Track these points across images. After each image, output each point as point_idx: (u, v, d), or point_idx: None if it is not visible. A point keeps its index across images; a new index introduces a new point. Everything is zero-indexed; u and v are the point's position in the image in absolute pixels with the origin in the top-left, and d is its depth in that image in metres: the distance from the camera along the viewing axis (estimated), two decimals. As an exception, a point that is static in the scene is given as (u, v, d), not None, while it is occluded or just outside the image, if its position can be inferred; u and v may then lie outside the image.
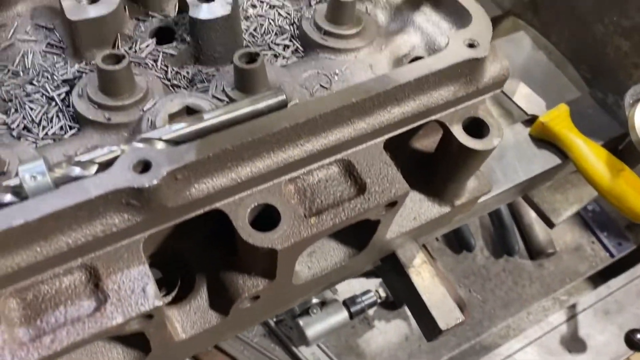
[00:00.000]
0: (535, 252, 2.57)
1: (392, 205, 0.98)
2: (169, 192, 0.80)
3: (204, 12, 1.01)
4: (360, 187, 0.95)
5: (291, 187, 0.95)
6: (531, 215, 2.59)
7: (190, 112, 0.95)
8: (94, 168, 0.83)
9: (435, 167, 1.16)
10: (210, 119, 0.88)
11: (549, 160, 1.57)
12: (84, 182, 0.76)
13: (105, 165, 0.84)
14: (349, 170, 0.97)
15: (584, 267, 2.58)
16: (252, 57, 0.96)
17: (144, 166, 0.79)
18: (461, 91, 1.04)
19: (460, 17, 1.10)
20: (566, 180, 1.77)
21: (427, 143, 1.22)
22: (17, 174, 0.84)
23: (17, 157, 0.86)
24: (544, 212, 1.74)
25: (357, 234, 1.08)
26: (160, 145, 0.85)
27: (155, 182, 0.77)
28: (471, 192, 1.21)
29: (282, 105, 0.92)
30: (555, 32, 1.69)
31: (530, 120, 1.62)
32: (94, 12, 0.98)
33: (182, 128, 0.86)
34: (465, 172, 1.12)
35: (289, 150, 0.90)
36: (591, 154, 1.50)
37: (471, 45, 1.01)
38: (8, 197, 0.80)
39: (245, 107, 0.90)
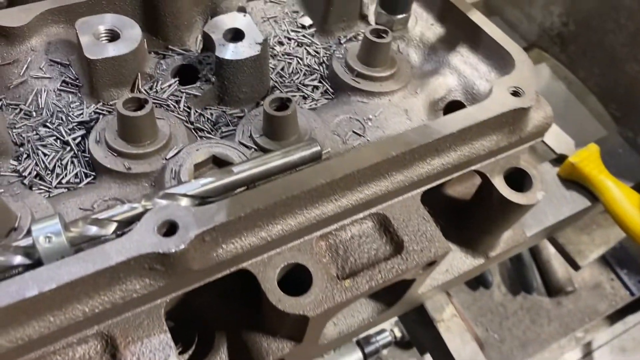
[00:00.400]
0: (553, 289, 2.49)
1: (431, 264, 0.91)
2: (195, 254, 0.73)
3: (232, 53, 0.95)
4: (397, 245, 0.88)
5: (322, 243, 0.88)
6: (550, 251, 2.52)
7: (216, 161, 0.88)
8: (113, 227, 0.76)
9: (470, 217, 1.09)
10: (240, 173, 0.81)
11: (578, 202, 1.50)
12: (104, 247, 0.69)
13: (125, 224, 0.77)
14: (385, 225, 0.90)
15: (604, 306, 2.50)
16: (283, 104, 0.89)
17: (170, 228, 0.73)
18: (503, 141, 0.98)
19: (501, 60, 1.04)
20: (592, 221, 1.71)
21: (460, 189, 1.15)
22: (29, 231, 0.77)
23: (29, 211, 0.79)
24: (569, 254, 1.67)
25: (388, 291, 1.01)
26: (185, 201, 0.78)
27: (182, 246, 0.70)
28: (506, 243, 1.14)
29: (316, 157, 0.85)
30: (583, 67, 1.63)
31: (558, 159, 1.56)
32: (114, 50, 0.91)
33: (210, 182, 0.79)
34: (504, 225, 1.05)
35: (322, 206, 0.83)
36: (623, 198, 1.44)
37: (515, 94, 0.95)
38: (18, 259, 0.72)
39: (277, 160, 0.83)
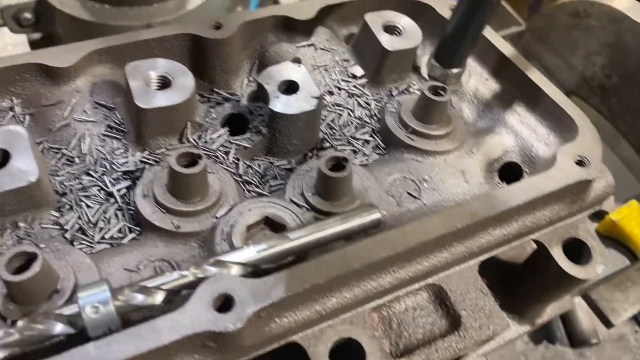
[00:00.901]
0: (577, 340, 2.41)
1: (487, 340, 0.86)
2: (249, 331, 0.69)
3: (286, 106, 0.91)
4: (454, 320, 0.84)
5: (375, 315, 0.83)
6: (574, 301, 2.44)
7: (268, 221, 0.84)
8: (161, 296, 0.71)
9: (520, 283, 1.04)
10: (297, 239, 0.77)
11: (617, 261, 1.44)
12: (156, 324, 0.64)
13: (173, 292, 0.72)
14: (441, 298, 0.85)
15: (628, 359, 2.43)
16: (339, 163, 0.85)
17: (225, 302, 0.68)
18: (564, 210, 0.93)
19: (561, 124, 1.00)
20: (627, 277, 1.66)
21: (510, 252, 1.10)
22: (72, 294, 0.73)
23: (72, 271, 0.74)
24: (602, 311, 1.62)
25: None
26: (236, 269, 0.74)
27: (239, 325, 0.65)
28: (553, 310, 1.09)
29: (376, 224, 0.81)
30: (625, 121, 1.59)
31: (596, 214, 1.51)
32: (165, 100, 0.87)
33: (265, 250, 0.75)
34: (557, 296, 1.00)
35: (379, 278, 0.78)
36: (666, 260, 1.39)
37: (580, 163, 0.90)
38: (60, 328, 0.68)
39: (335, 227, 0.79)
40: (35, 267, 0.67)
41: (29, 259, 0.69)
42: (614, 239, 1.47)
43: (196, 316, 0.65)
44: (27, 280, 0.68)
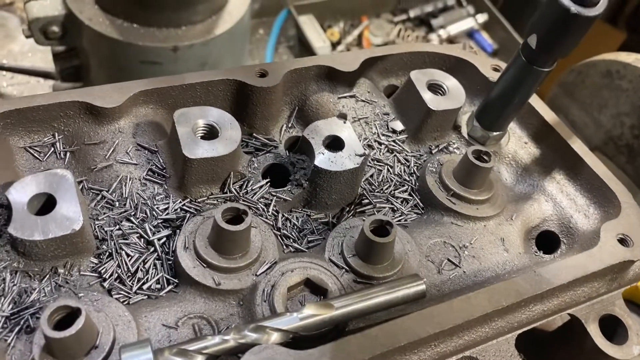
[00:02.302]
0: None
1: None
2: (290, 403, 0.67)
3: (331, 163, 0.90)
4: (491, 396, 0.82)
5: (411, 385, 0.82)
6: None
7: (309, 283, 0.82)
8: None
9: (549, 352, 1.02)
10: (341, 309, 0.75)
11: (638, 327, 1.43)
12: (201, 394, 0.63)
13: (213, 357, 0.70)
14: (477, 371, 0.84)
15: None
16: (382, 226, 0.84)
17: (269, 373, 0.66)
18: (603, 288, 0.92)
19: (602, 197, 0.99)
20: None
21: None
22: (110, 351, 0.71)
23: (111, 325, 0.73)
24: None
25: None
26: (276, 336, 0.72)
27: (283, 401, 0.64)
28: (580, 381, 1.08)
29: (421, 296, 0.80)
30: (651, 183, 1.59)
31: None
32: (213, 151, 0.86)
33: (308, 317, 0.74)
34: (588, 371, 0.98)
35: (420, 352, 0.77)
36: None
37: (623, 242, 0.90)
38: (99, 386, 0.66)
39: (380, 297, 0.77)
40: (79, 324, 0.66)
41: (71, 313, 0.68)
42: (635, 302, 1.46)
43: (242, 388, 0.64)
44: (67, 338, 0.66)
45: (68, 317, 0.68)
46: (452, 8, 3.37)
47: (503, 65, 1.16)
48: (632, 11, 3.96)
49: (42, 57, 2.86)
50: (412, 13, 3.33)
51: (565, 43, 0.88)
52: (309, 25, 3.08)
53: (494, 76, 1.13)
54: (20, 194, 0.76)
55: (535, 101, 1.09)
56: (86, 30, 2.03)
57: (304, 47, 3.07)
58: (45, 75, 2.58)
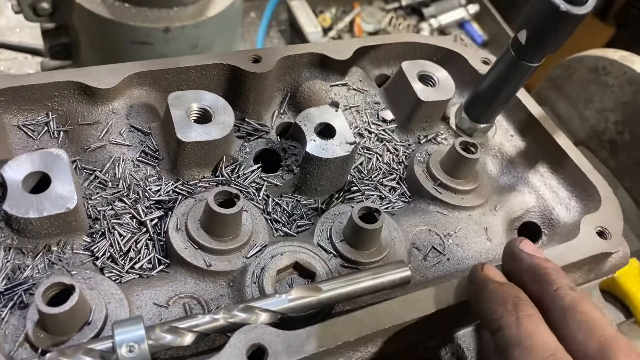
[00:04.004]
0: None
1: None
2: (278, 381, 0.69)
3: (322, 150, 0.92)
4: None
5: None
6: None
7: (297, 267, 0.84)
8: (191, 338, 0.71)
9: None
10: (328, 292, 0.78)
11: (613, 316, 1.48)
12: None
13: (203, 335, 0.73)
14: (457, 356, 0.87)
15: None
16: (371, 214, 0.86)
17: (258, 352, 0.69)
18: (581, 278, 0.96)
19: (583, 191, 1.02)
20: (620, 332, 1.69)
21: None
22: (102, 328, 0.73)
23: (103, 303, 0.74)
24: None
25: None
26: (265, 316, 0.74)
27: (274, 378, 0.66)
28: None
29: (406, 282, 0.82)
30: (632, 178, 1.63)
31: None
32: (206, 135, 0.87)
33: (297, 299, 0.76)
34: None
35: (405, 336, 0.80)
36: (660, 320, 1.42)
37: (601, 234, 0.93)
38: (84, 362, 0.68)
39: (366, 282, 0.80)
40: (72, 301, 0.68)
41: (65, 289, 0.70)
42: (612, 294, 1.50)
43: (230, 365, 0.66)
44: (61, 314, 0.68)
45: (62, 293, 0.70)
46: (444, -3, 3.38)
47: (492, 58, 1.18)
48: (621, 6, 4.00)
49: (30, 32, 2.82)
50: (404, 1, 3.33)
51: (554, 40, 0.90)
52: (301, 10, 3.07)
53: (483, 69, 1.15)
54: (15, 172, 0.77)
55: (522, 95, 1.11)
56: (76, 8, 2.01)
57: (295, 32, 3.07)
58: (33, 52, 2.55)
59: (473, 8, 3.32)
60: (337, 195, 1.00)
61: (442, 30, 3.28)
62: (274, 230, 0.91)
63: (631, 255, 1.45)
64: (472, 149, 0.97)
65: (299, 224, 0.94)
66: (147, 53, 2.03)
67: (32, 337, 0.71)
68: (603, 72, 1.57)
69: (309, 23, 3.02)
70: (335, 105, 0.98)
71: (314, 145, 0.92)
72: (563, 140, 1.06)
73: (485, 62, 1.16)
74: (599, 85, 1.60)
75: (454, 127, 1.12)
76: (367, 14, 3.31)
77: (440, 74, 1.08)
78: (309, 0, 3.13)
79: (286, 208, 0.95)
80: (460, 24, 3.34)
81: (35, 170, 0.78)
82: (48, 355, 0.67)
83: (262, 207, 0.93)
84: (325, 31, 3.10)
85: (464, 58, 1.17)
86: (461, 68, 1.17)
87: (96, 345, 0.69)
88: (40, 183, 0.80)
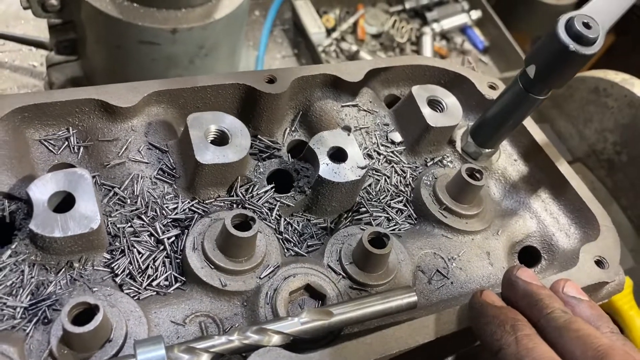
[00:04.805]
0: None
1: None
2: (289, 402, 0.73)
3: (334, 174, 0.95)
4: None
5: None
6: None
7: (309, 289, 0.88)
8: (207, 358, 0.75)
9: None
10: (339, 316, 0.81)
11: (604, 332, 1.52)
12: (210, 392, 0.68)
13: (218, 356, 0.76)
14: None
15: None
16: (380, 238, 0.90)
17: (272, 375, 0.72)
18: (577, 304, 0.99)
19: (583, 218, 1.06)
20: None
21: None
22: (122, 345, 0.76)
23: (124, 320, 0.78)
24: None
25: None
26: (277, 338, 0.78)
27: (286, 401, 0.70)
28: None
29: (412, 307, 0.86)
30: (627, 197, 1.67)
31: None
32: (223, 157, 0.91)
33: (309, 322, 0.79)
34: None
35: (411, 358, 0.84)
36: (650, 340, 1.47)
37: (599, 264, 0.97)
38: (112, 378, 0.71)
39: (375, 306, 0.84)
40: (97, 321, 0.71)
41: (88, 308, 0.73)
42: (604, 311, 1.55)
43: (246, 388, 0.70)
44: (87, 332, 0.71)
45: (86, 312, 0.73)
46: (447, 2, 3.40)
47: (498, 82, 1.22)
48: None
49: (35, 25, 2.83)
50: (408, 4, 3.35)
51: (561, 76, 0.94)
52: (305, 10, 3.08)
53: (489, 93, 1.19)
54: (41, 191, 0.80)
55: (527, 121, 1.15)
56: (85, 6, 2.02)
57: (298, 32, 3.08)
58: (38, 44, 2.56)
59: (475, 14, 3.34)
60: (345, 215, 1.03)
61: (444, 35, 3.31)
62: (286, 250, 0.95)
63: (625, 273, 1.51)
64: (478, 175, 1.01)
65: (309, 243, 0.97)
66: (153, 53, 2.05)
67: (56, 353, 0.74)
68: (604, 93, 1.61)
69: (312, 23, 3.03)
70: (347, 129, 1.01)
71: (326, 169, 0.96)
72: (565, 168, 1.09)
73: (492, 87, 1.20)
74: (599, 106, 1.64)
75: (459, 150, 1.15)
76: (371, 16, 3.33)
77: (448, 99, 1.12)
78: (313, 0, 3.15)
79: (297, 227, 0.98)
80: (463, 29, 3.36)
81: (59, 190, 0.81)
82: (72, 371, 0.71)
83: (274, 227, 0.96)
84: (329, 32, 3.12)
85: (472, 82, 1.20)
86: (468, 92, 1.21)
87: (118, 364, 0.72)
88: (64, 201, 0.82)
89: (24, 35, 2.68)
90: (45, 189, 0.81)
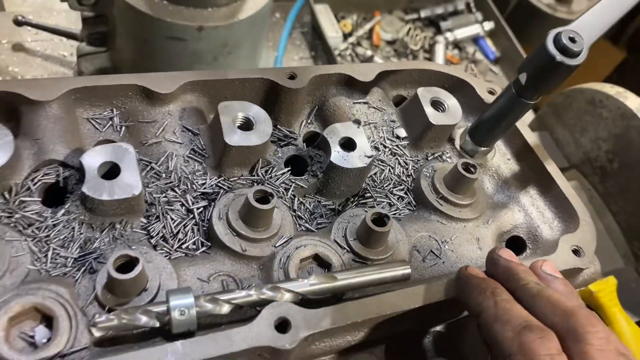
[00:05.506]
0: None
1: None
2: (296, 349, 0.86)
3: (344, 160, 1.08)
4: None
5: (394, 351, 1.01)
6: None
7: (317, 258, 1.00)
8: (228, 308, 0.88)
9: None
10: (342, 281, 0.94)
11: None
12: (230, 334, 0.81)
13: (238, 307, 0.89)
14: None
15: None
16: (381, 218, 1.02)
17: (283, 324, 0.85)
18: (555, 288, 1.11)
19: (566, 213, 1.18)
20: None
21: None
22: (156, 295, 0.89)
23: (157, 275, 0.91)
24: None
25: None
26: (288, 295, 0.90)
27: (293, 345, 0.82)
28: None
29: (406, 278, 0.98)
30: (617, 203, 1.78)
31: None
32: (249, 140, 1.04)
33: (316, 284, 0.92)
34: None
35: (400, 323, 0.96)
36: (630, 335, 1.58)
37: (576, 252, 1.09)
38: (145, 320, 0.84)
39: (373, 275, 0.96)
40: (137, 270, 0.84)
41: (130, 261, 0.86)
42: (589, 307, 1.66)
43: (261, 333, 0.82)
44: (128, 279, 0.84)
45: (127, 264, 0.86)
46: (461, 13, 3.52)
47: (497, 89, 1.34)
48: (634, 31, 4.13)
49: (66, 16, 2.97)
50: (423, 13, 3.46)
51: (548, 84, 1.06)
52: (324, 15, 3.21)
53: (488, 98, 1.31)
54: (92, 160, 0.94)
55: (520, 125, 1.27)
56: (118, 1, 2.16)
57: (316, 35, 3.21)
58: (69, 35, 2.70)
59: (488, 25, 3.45)
60: (352, 199, 1.16)
61: (456, 44, 3.42)
62: (298, 225, 1.08)
63: (616, 273, 1.62)
64: (472, 169, 1.13)
65: (318, 221, 1.10)
66: (179, 48, 2.19)
67: (101, 297, 0.87)
68: (599, 104, 1.73)
69: (330, 28, 3.16)
70: (357, 122, 1.13)
71: (337, 156, 1.08)
72: (552, 168, 1.21)
73: (491, 92, 1.32)
74: (595, 116, 1.75)
75: (458, 148, 1.28)
76: (387, 23, 3.45)
77: (450, 101, 1.24)
78: (332, 5, 3.27)
79: (308, 207, 1.11)
80: (475, 40, 3.47)
81: (107, 160, 0.95)
82: (115, 311, 0.84)
83: (288, 205, 1.09)
84: (346, 36, 3.25)
85: (472, 87, 1.33)
86: (469, 95, 1.33)
87: (153, 307, 0.85)
88: (110, 170, 0.96)
89: (55, 26, 2.82)
90: (96, 159, 0.94)
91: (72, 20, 2.59)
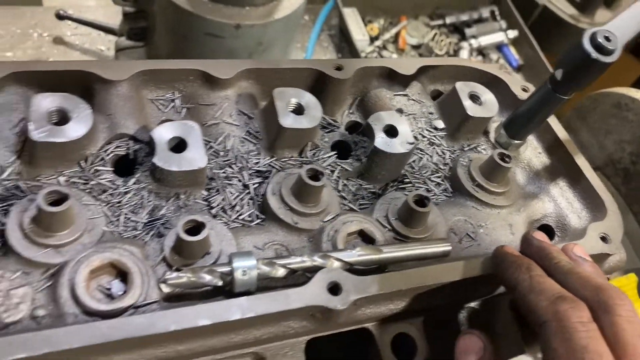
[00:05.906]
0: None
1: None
2: (345, 312, 0.93)
3: (387, 146, 1.15)
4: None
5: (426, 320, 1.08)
6: None
7: (362, 233, 1.08)
8: (283, 272, 0.96)
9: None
10: (387, 253, 1.01)
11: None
12: (287, 293, 0.89)
13: (292, 271, 0.97)
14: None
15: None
16: (422, 200, 1.10)
17: (334, 288, 0.93)
18: (583, 273, 1.18)
19: (594, 204, 1.25)
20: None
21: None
22: (218, 258, 0.97)
23: (218, 241, 0.99)
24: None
25: None
26: (337, 264, 0.98)
27: (344, 307, 0.90)
28: None
29: (446, 255, 1.06)
30: (639, 204, 1.84)
31: (599, 278, 1.75)
32: (300, 124, 1.12)
33: (363, 255, 1.00)
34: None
35: (440, 293, 1.03)
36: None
37: (604, 239, 1.15)
38: (209, 279, 0.92)
39: (416, 249, 1.04)
40: (204, 233, 0.92)
41: (196, 226, 0.94)
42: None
43: (315, 293, 0.90)
44: (195, 242, 0.92)
45: (193, 228, 0.94)
46: (486, 20, 3.59)
47: (530, 86, 1.41)
48: (655, 44, 4.17)
49: (104, 12, 3.09)
50: (449, 19, 3.54)
51: (582, 80, 1.13)
52: (352, 18, 3.30)
53: (521, 94, 1.38)
54: (162, 134, 1.02)
55: (552, 121, 1.34)
56: (159, -2, 2.25)
57: (344, 37, 3.30)
58: (107, 30, 2.80)
59: (512, 33, 3.52)
60: (391, 184, 1.23)
61: (480, 51, 3.49)
62: (342, 205, 1.15)
63: (636, 272, 1.67)
64: (507, 159, 1.20)
65: (360, 203, 1.18)
66: (216, 45, 2.28)
67: (168, 258, 0.95)
68: (625, 108, 1.79)
69: (357, 31, 3.24)
70: (400, 112, 1.21)
71: (381, 141, 1.16)
72: (582, 162, 1.28)
73: (524, 90, 1.39)
74: (620, 119, 1.81)
75: (492, 140, 1.35)
76: (413, 28, 3.53)
77: (487, 95, 1.32)
78: (360, 9, 3.36)
79: (351, 189, 1.19)
80: (499, 47, 3.54)
81: (175, 135, 1.03)
82: (183, 270, 0.92)
83: (334, 186, 1.17)
84: (372, 40, 3.33)
85: (507, 84, 1.40)
86: (503, 92, 1.40)
87: (217, 267, 0.93)
88: (177, 145, 1.04)
89: (94, 20, 2.92)
90: (165, 134, 1.03)
91: (110, 16, 2.70)
